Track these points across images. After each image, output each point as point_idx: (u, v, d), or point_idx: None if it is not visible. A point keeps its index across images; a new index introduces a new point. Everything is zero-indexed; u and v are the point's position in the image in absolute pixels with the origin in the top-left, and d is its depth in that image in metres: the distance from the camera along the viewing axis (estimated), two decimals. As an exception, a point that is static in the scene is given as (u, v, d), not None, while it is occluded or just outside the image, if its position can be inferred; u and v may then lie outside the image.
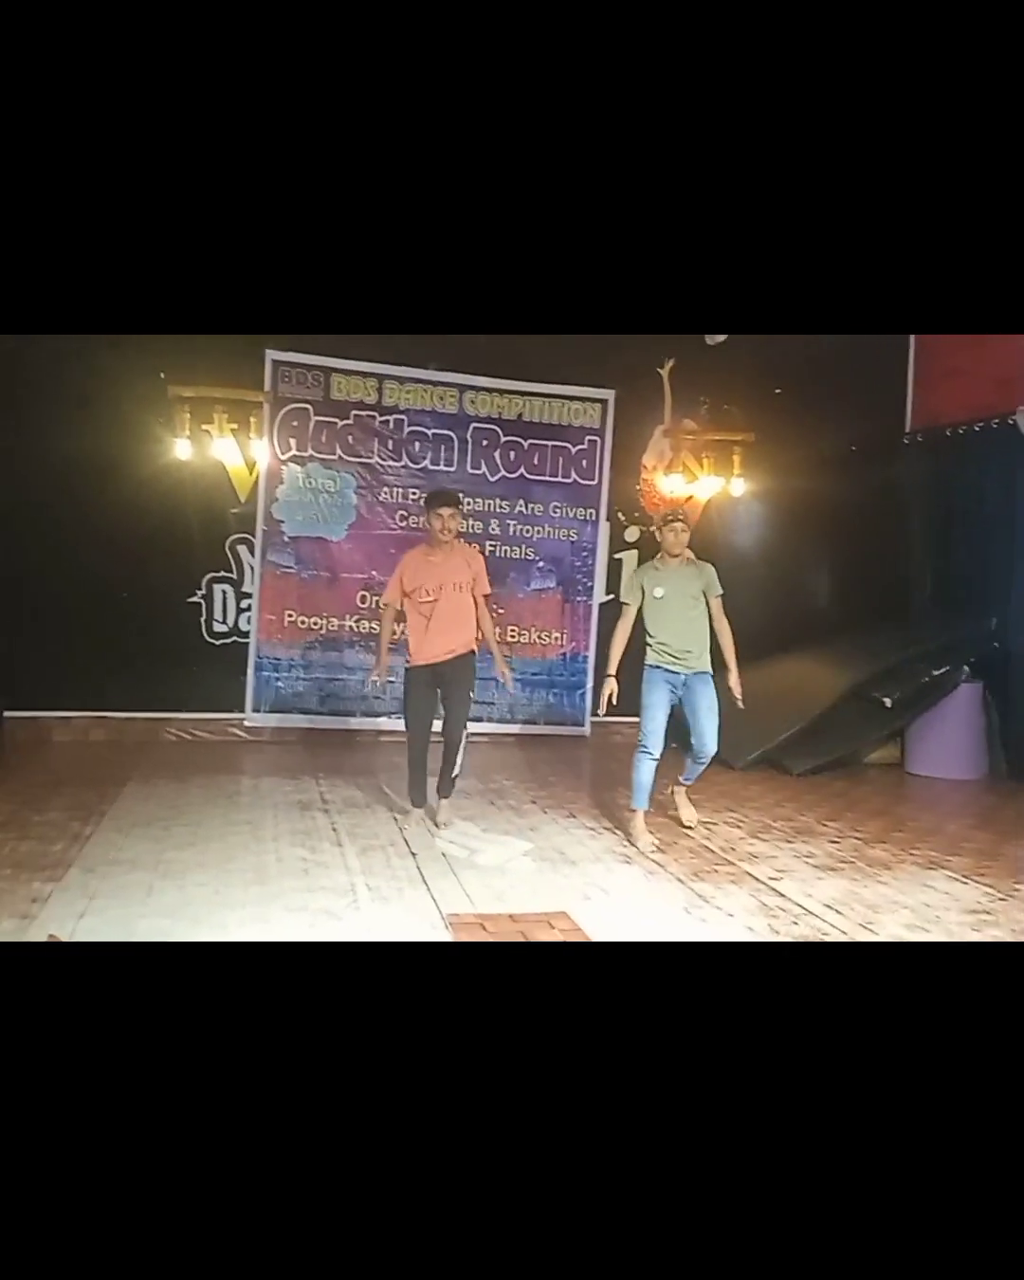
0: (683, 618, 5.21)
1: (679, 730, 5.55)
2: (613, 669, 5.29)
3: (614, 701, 5.21)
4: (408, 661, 5.32)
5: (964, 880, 4.76)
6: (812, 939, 3.87)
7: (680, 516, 5.34)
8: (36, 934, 3.56)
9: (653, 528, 5.60)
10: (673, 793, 5.72)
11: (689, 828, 5.55)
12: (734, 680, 5.28)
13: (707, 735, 5.25)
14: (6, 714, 7.21)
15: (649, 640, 5.28)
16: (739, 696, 5.29)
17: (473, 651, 5.29)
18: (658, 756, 5.22)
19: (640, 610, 5.30)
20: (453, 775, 5.36)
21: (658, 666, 5.24)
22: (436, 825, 5.33)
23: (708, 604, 5.27)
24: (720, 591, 5.32)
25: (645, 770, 5.21)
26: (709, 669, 5.26)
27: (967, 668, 7.37)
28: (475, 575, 5.23)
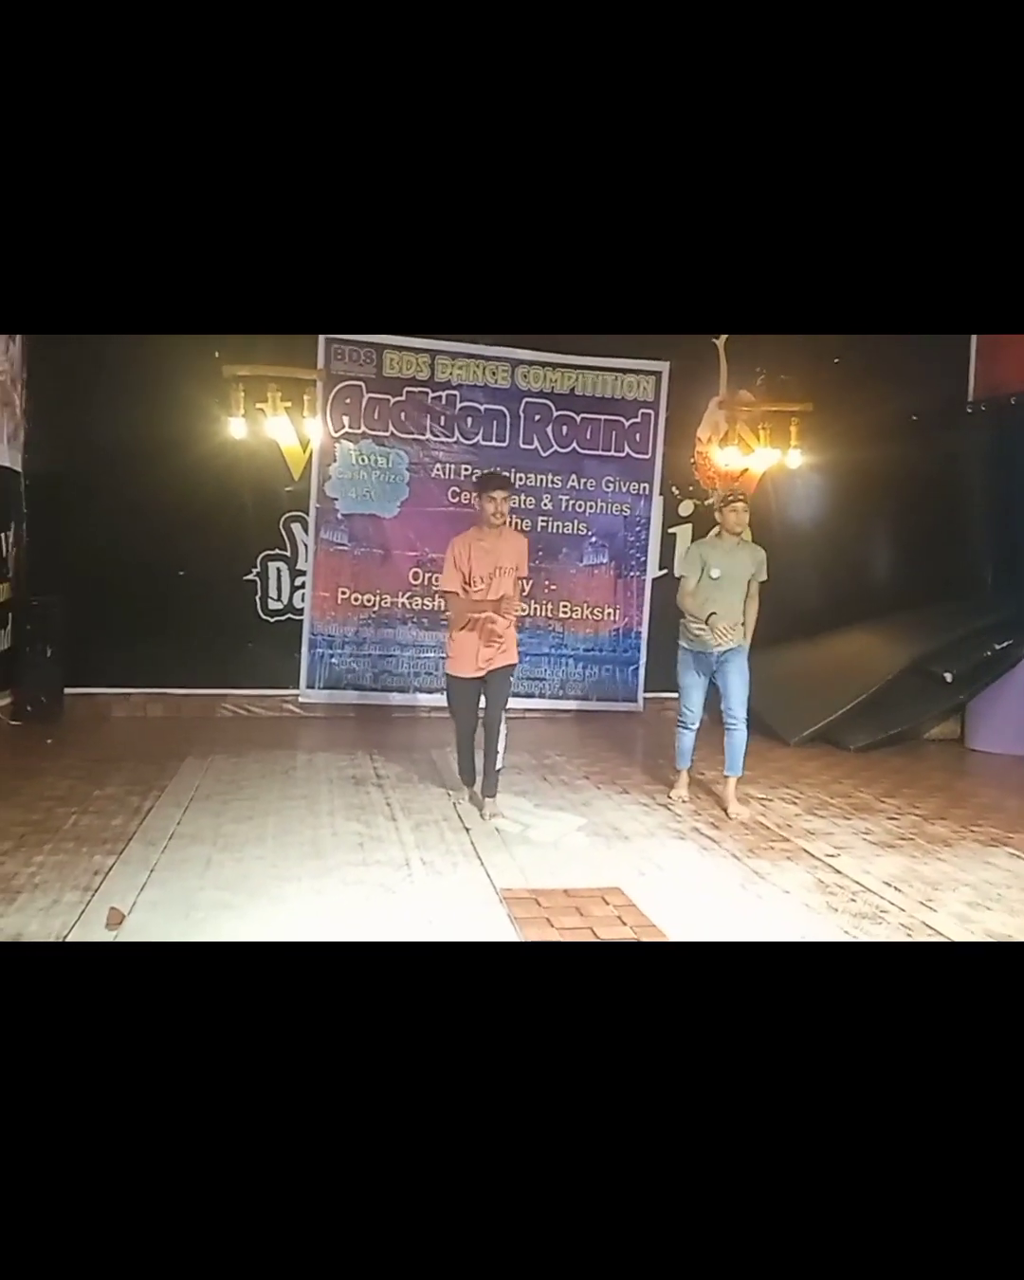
0: (733, 598, 5.38)
1: (711, 704, 5.69)
2: (705, 615, 5.25)
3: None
4: (447, 665, 5.28)
5: (1027, 858, 4.67)
6: (870, 916, 3.82)
7: (742, 496, 5.53)
8: (99, 906, 3.63)
9: (713, 508, 5.56)
10: (722, 788, 5.53)
11: (740, 820, 5.21)
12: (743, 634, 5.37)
13: (737, 699, 5.39)
14: (66, 690, 7.36)
15: (687, 620, 5.41)
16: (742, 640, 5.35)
17: (513, 664, 5.23)
18: (695, 728, 5.57)
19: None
20: (497, 768, 5.17)
21: (691, 649, 5.45)
22: (483, 817, 5.09)
23: (751, 587, 5.42)
24: (765, 578, 5.46)
25: (686, 740, 5.62)
26: (743, 643, 5.38)
27: (1030, 642, 7.21)
28: (519, 559, 5.19)
